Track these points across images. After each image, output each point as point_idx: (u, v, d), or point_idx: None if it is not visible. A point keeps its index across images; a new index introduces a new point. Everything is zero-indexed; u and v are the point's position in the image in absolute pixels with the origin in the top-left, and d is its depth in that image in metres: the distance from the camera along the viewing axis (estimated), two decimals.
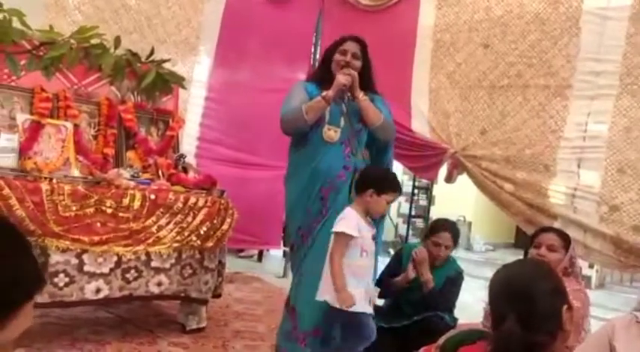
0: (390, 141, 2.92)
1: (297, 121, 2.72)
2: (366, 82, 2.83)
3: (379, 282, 3.06)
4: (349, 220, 2.50)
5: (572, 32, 3.33)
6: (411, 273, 3.03)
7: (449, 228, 3.18)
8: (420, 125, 3.80)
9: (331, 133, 2.75)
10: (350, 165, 2.77)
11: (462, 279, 3.26)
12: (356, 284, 2.47)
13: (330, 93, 2.69)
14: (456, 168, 3.56)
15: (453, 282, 3.19)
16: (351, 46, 2.80)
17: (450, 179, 3.62)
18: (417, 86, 3.86)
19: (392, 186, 2.63)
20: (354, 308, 2.45)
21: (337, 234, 2.48)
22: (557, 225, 3.08)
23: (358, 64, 2.80)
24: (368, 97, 2.82)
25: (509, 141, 3.35)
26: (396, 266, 3.19)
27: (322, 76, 2.86)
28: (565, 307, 1.36)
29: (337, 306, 2.43)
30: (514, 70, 3.41)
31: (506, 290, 1.41)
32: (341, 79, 2.69)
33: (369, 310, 2.56)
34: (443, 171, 3.76)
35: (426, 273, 3.05)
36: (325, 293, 2.50)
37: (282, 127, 2.80)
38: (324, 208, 2.72)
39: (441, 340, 1.62)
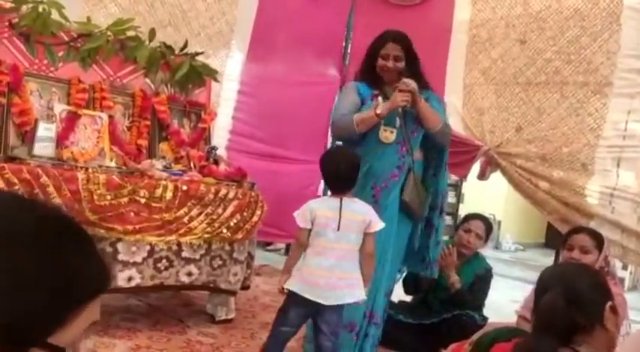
0: (446, 146, 2.85)
1: (347, 130, 2.72)
2: (416, 76, 2.75)
3: (408, 278, 3.05)
4: (302, 211, 2.41)
5: (613, 28, 3.24)
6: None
7: (482, 217, 3.16)
8: (453, 121, 3.74)
9: (387, 134, 2.71)
10: (404, 165, 2.74)
11: (492, 277, 3.23)
12: (320, 267, 2.37)
13: (384, 112, 2.63)
14: (490, 166, 3.51)
15: (481, 280, 3.16)
16: (391, 49, 2.73)
17: (483, 176, 3.57)
18: (450, 82, 3.80)
19: None
20: (302, 293, 2.34)
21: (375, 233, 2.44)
22: (593, 224, 3.02)
23: (401, 65, 2.73)
24: (425, 93, 2.77)
25: (546, 139, 3.28)
26: None
27: (370, 77, 2.83)
28: (609, 304, 1.37)
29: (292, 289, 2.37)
30: (552, 66, 3.33)
31: (554, 273, 1.50)
32: (399, 101, 2.60)
33: (331, 301, 2.35)
34: (475, 168, 3.72)
35: (452, 275, 3.03)
36: (358, 290, 2.41)
37: (332, 131, 2.82)
38: (376, 205, 2.65)
39: (476, 336, 1.60)
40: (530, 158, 3.30)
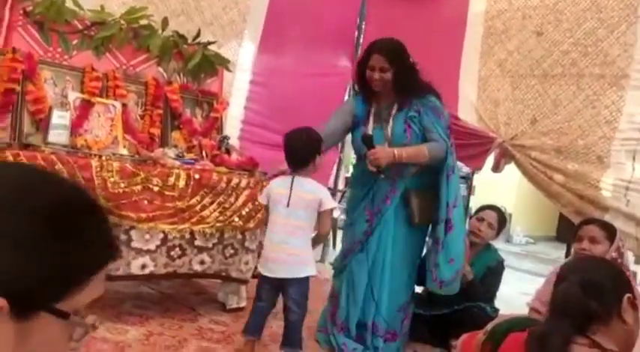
0: (443, 159, 2.71)
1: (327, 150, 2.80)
2: (407, 87, 2.69)
3: (419, 269, 3.05)
4: (264, 189, 2.63)
5: (630, 20, 3.19)
6: None
7: (495, 208, 3.16)
8: (467, 113, 3.72)
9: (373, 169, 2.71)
10: (397, 190, 2.76)
11: (503, 269, 3.22)
12: (271, 242, 2.55)
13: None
14: (504, 158, 3.48)
15: (493, 272, 3.16)
16: (376, 61, 2.68)
17: (497, 168, 3.55)
18: (465, 73, 3.76)
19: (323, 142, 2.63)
20: (260, 270, 2.58)
21: (331, 211, 2.60)
22: (607, 217, 3.00)
23: (387, 76, 2.67)
24: (420, 104, 2.69)
25: (561, 131, 3.24)
26: None
27: (363, 89, 2.82)
28: (628, 296, 1.37)
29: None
30: (568, 58, 3.29)
31: (574, 264, 1.53)
32: (372, 170, 2.63)
33: (282, 274, 2.51)
34: (489, 160, 3.69)
35: (465, 267, 3.01)
36: (307, 266, 2.57)
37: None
38: (370, 229, 2.78)
39: (490, 325, 1.61)
40: (545, 150, 3.27)
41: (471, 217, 3.24)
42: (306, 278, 2.55)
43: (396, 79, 2.67)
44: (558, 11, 3.36)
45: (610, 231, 2.66)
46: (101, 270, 0.60)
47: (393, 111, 2.75)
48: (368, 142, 2.64)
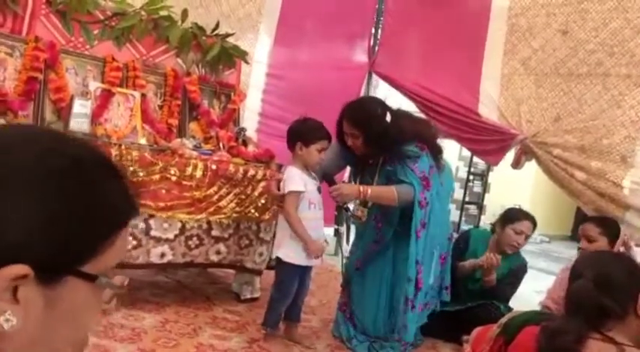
0: (412, 203, 2.63)
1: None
2: (380, 146, 2.63)
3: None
4: (293, 177, 2.59)
5: None
6: (479, 262, 2.99)
7: (530, 216, 3.13)
8: (488, 110, 3.68)
9: (359, 213, 2.76)
10: (383, 238, 2.80)
11: (526, 271, 3.21)
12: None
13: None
14: (525, 155, 3.45)
15: (516, 274, 3.14)
16: (346, 128, 2.66)
17: (517, 165, 3.52)
18: (487, 71, 3.72)
19: (317, 134, 2.61)
20: (308, 262, 2.61)
21: (289, 193, 2.57)
22: (628, 215, 2.97)
23: (358, 142, 2.63)
24: (396, 158, 2.65)
25: (585, 129, 3.20)
26: (459, 249, 3.15)
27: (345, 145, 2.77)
28: None
29: (293, 262, 2.58)
30: (594, 58, 3.24)
31: (588, 260, 1.50)
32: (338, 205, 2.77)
33: (318, 263, 2.70)
34: (507, 157, 3.67)
35: (492, 277, 3.00)
36: (278, 249, 2.65)
37: None
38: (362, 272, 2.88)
39: (504, 319, 1.60)
40: (568, 148, 3.23)
41: (503, 224, 3.13)
42: (277, 259, 2.65)
43: (366, 145, 2.63)
44: (583, 10, 3.31)
45: (606, 227, 2.66)
46: (124, 227, 0.59)
47: (379, 164, 2.74)
48: (329, 179, 2.71)
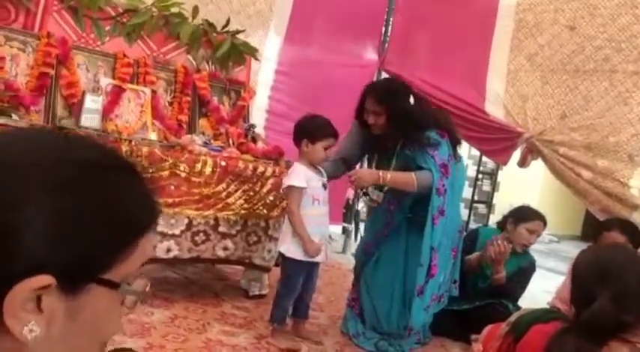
0: (430, 189, 2.63)
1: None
2: (403, 127, 2.61)
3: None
4: (297, 173, 2.59)
5: None
6: (485, 258, 2.98)
7: (541, 215, 3.12)
8: (495, 108, 3.67)
9: (375, 197, 2.74)
10: (393, 221, 2.81)
11: (534, 270, 3.19)
12: (312, 233, 2.58)
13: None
14: (531, 153, 3.43)
15: (524, 273, 3.13)
16: (370, 104, 2.65)
17: (524, 163, 3.50)
18: (494, 67, 3.71)
19: (323, 132, 2.61)
20: (310, 258, 2.60)
21: (288, 188, 2.58)
22: (635, 215, 2.94)
23: (381, 120, 2.63)
24: (416, 143, 2.63)
25: (592, 127, 3.18)
26: (468, 248, 3.14)
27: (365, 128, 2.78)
28: None
29: (295, 257, 2.58)
30: (601, 54, 3.22)
31: (597, 270, 1.40)
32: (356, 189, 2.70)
33: (325, 259, 2.72)
34: (515, 155, 3.65)
35: (501, 272, 2.98)
36: (282, 244, 2.67)
37: None
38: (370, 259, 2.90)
39: (513, 317, 1.59)
40: (574, 146, 3.21)
41: (515, 223, 3.11)
42: (282, 255, 2.69)
43: (389, 124, 2.62)
44: (592, 6, 3.29)
45: (631, 234, 2.60)
46: (146, 232, 0.57)
47: (397, 149, 2.73)
48: (347, 165, 2.74)
